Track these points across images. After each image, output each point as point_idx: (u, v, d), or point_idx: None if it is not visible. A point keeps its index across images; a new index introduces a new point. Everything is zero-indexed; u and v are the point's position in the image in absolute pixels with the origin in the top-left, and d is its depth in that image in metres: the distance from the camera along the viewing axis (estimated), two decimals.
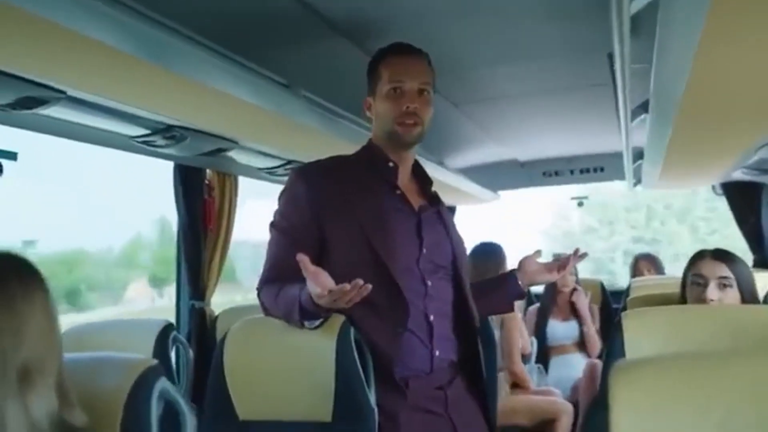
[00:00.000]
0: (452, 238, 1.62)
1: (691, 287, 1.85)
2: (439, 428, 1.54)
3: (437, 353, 1.54)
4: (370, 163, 1.61)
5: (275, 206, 1.61)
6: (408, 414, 1.50)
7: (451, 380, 1.58)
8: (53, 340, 0.95)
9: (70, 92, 1.62)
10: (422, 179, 1.69)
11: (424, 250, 1.56)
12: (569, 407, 3.12)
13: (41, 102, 1.61)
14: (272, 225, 1.58)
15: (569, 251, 1.76)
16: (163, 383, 1.01)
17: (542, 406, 3.08)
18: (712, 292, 1.79)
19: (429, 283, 1.55)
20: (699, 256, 1.88)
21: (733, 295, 1.80)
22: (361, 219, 1.51)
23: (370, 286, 1.28)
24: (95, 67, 1.50)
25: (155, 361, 1.03)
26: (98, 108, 1.80)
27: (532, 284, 1.77)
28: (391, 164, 1.60)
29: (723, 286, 1.80)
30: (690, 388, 0.75)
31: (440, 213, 1.65)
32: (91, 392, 1.01)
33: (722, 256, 1.85)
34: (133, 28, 1.42)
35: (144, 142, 2.12)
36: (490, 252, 3.22)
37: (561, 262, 1.71)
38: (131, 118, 1.94)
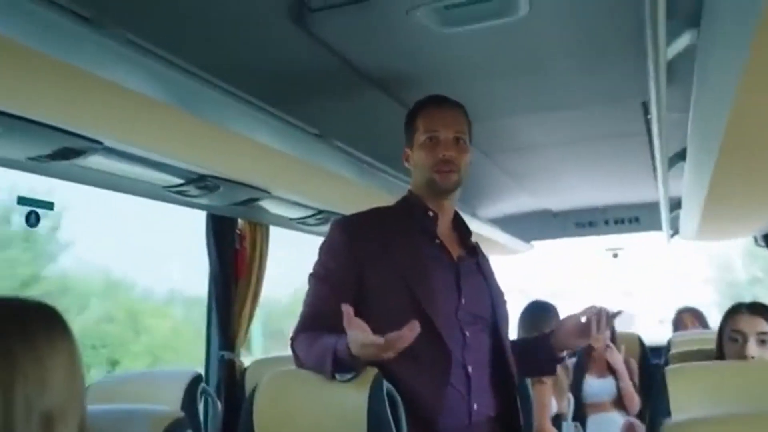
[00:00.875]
0: (491, 290, 1.61)
1: (729, 343, 1.81)
2: None
3: (475, 407, 1.50)
4: (409, 213, 1.62)
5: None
6: None
7: None
8: (77, 389, 0.94)
9: (107, 143, 1.65)
10: (462, 230, 1.68)
11: (463, 300, 1.54)
12: None
13: (78, 152, 1.65)
14: (311, 275, 1.58)
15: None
16: None
17: None
18: (752, 348, 1.74)
19: (467, 333, 1.53)
20: (735, 311, 1.84)
21: None
22: (401, 267, 1.51)
23: (418, 328, 1.26)
24: (131, 117, 1.53)
25: (181, 414, 1.01)
26: (133, 158, 1.83)
27: (565, 348, 1.68)
28: (430, 213, 1.61)
29: (762, 342, 1.75)
30: None
31: (479, 264, 1.64)
32: None
33: (760, 310, 1.80)
34: (168, 77, 1.44)
35: (177, 192, 2.14)
36: (539, 311, 3.17)
37: (596, 318, 1.61)
38: (165, 167, 1.97)
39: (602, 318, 1.57)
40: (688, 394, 1.37)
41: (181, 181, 2.09)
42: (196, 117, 1.55)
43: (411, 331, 1.26)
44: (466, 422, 1.49)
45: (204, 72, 1.60)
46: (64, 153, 1.61)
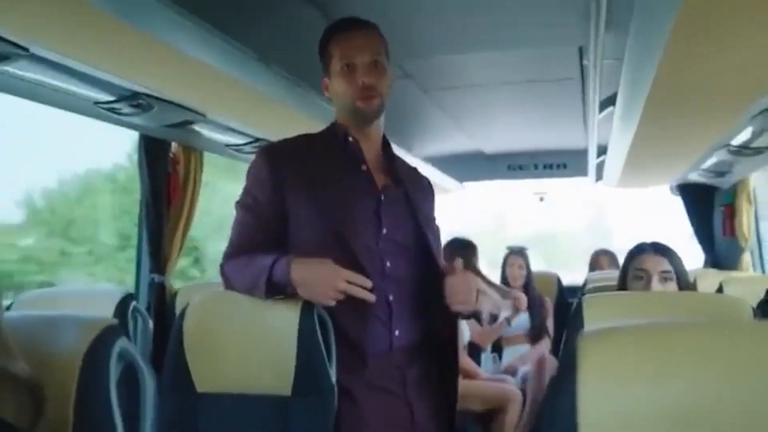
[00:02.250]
0: (418, 218, 1.60)
1: (633, 281, 1.89)
2: (396, 408, 1.54)
3: (396, 333, 1.54)
4: (333, 141, 1.60)
5: None
6: (366, 392, 1.50)
7: (411, 361, 1.57)
8: None
9: (34, 49, 1.57)
10: (390, 158, 1.66)
11: (384, 230, 1.55)
12: (518, 395, 3.18)
13: (1, 57, 1.56)
14: (238, 202, 1.57)
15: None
16: (123, 343, 0.99)
17: (493, 393, 3.14)
18: (656, 285, 1.83)
19: (388, 263, 1.54)
20: (640, 250, 1.91)
21: (672, 287, 1.85)
22: (322, 197, 1.51)
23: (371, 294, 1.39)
24: (62, 23, 1.45)
25: (115, 321, 1.01)
26: (62, 68, 1.74)
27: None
28: (350, 139, 1.58)
29: (665, 279, 1.84)
30: (658, 354, 0.78)
31: (407, 192, 1.62)
32: (47, 350, 0.98)
33: (663, 250, 1.89)
34: None
35: (109, 109, 2.07)
36: (459, 248, 3.25)
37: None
38: (97, 81, 1.89)
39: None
40: (601, 320, 1.46)
41: (114, 98, 2.01)
42: (133, 29, 1.48)
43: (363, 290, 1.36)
44: (388, 348, 1.52)
45: None
46: None
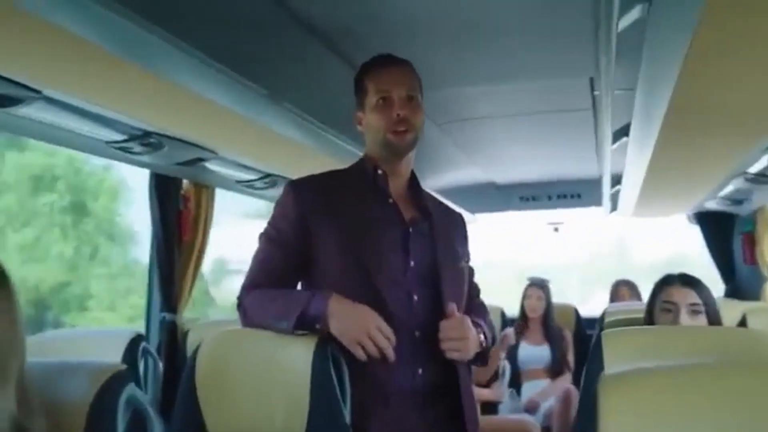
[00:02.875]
0: (438, 254, 1.56)
1: (661, 314, 1.83)
2: None
3: (420, 372, 1.50)
4: (362, 175, 1.60)
5: None
6: None
7: (434, 402, 1.52)
8: (15, 341, 0.90)
9: (46, 92, 1.58)
10: (417, 191, 1.65)
11: (412, 263, 1.53)
12: (537, 428, 3.10)
13: (15, 101, 1.57)
14: (262, 234, 1.57)
15: None
16: (131, 390, 0.97)
17: (512, 426, 3.05)
18: (684, 319, 1.78)
19: (416, 297, 1.51)
20: (667, 282, 1.86)
21: (702, 321, 1.79)
22: (348, 227, 1.50)
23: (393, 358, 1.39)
24: (74, 66, 1.46)
25: (123, 367, 0.99)
26: (74, 110, 1.76)
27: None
28: (380, 171, 1.58)
29: (693, 312, 1.79)
30: (681, 398, 0.75)
31: (432, 226, 1.60)
32: (56, 398, 0.96)
33: (691, 282, 1.83)
34: (115, 26, 1.38)
35: (120, 148, 2.08)
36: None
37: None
38: (108, 122, 1.90)
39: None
40: (621, 356, 1.42)
41: (125, 137, 2.02)
42: (143, 70, 1.49)
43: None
44: (410, 387, 1.48)
45: (154, 22, 1.54)
46: (0, 100, 1.53)
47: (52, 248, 4.37)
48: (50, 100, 1.63)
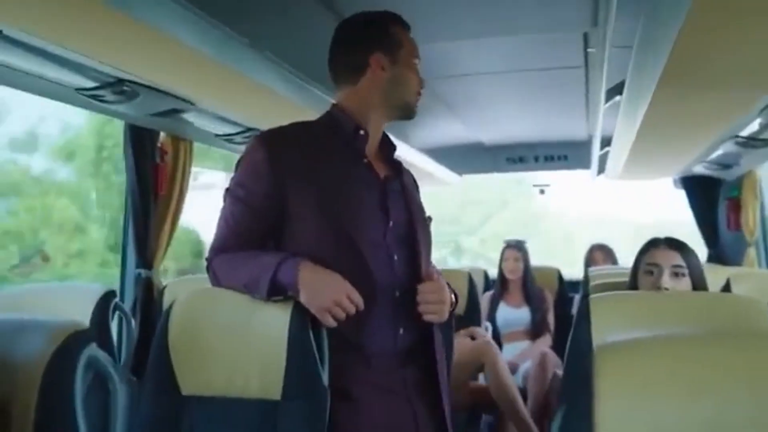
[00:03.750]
0: (412, 211, 1.55)
1: (644, 275, 1.85)
2: (400, 409, 1.48)
3: (401, 331, 1.48)
4: (335, 130, 1.53)
5: None
6: (369, 393, 1.43)
7: (411, 361, 1.51)
8: None
9: (6, 31, 1.48)
10: (388, 148, 1.62)
11: (391, 223, 1.49)
12: (493, 347, 3.08)
13: None
14: (228, 191, 1.49)
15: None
16: (92, 350, 0.90)
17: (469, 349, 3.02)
18: (667, 280, 1.78)
19: (396, 257, 1.48)
20: (653, 244, 1.87)
21: (685, 283, 1.80)
22: (325, 188, 1.44)
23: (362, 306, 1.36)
24: (38, 3, 1.36)
25: (84, 326, 0.93)
26: (39, 52, 1.65)
27: None
28: (362, 132, 1.52)
29: (676, 274, 1.80)
30: (681, 370, 0.70)
31: (403, 183, 1.58)
32: (11, 356, 0.90)
33: (676, 244, 1.85)
34: None
35: (92, 96, 1.97)
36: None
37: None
38: (78, 67, 1.79)
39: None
40: (609, 323, 1.40)
41: (96, 84, 1.91)
42: (118, 11, 1.39)
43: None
44: (392, 347, 1.47)
45: None
46: None
47: None
48: (10, 40, 1.52)
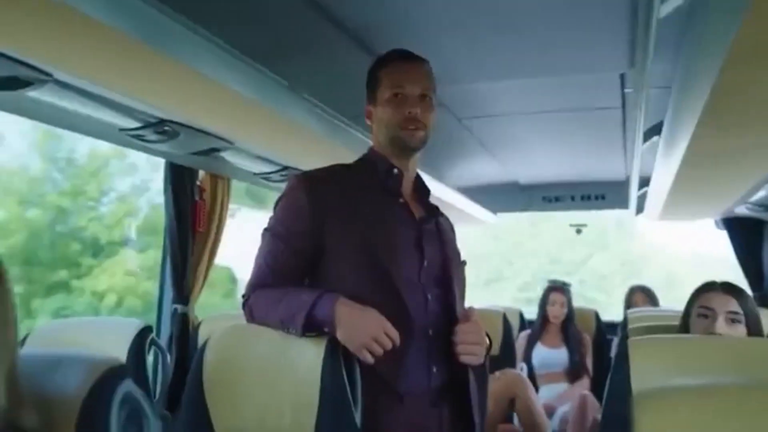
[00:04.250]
0: (447, 253, 1.56)
1: (697, 319, 1.77)
2: None
3: (434, 370, 1.48)
4: (371, 171, 1.56)
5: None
6: (401, 429, 1.43)
7: (444, 400, 1.51)
8: (7, 329, 0.85)
9: (57, 75, 1.54)
10: (422, 190, 1.64)
11: (425, 263, 1.51)
12: (524, 379, 3.03)
13: (25, 83, 1.53)
14: (267, 230, 1.52)
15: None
16: (127, 386, 0.91)
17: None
18: (721, 326, 1.70)
19: (429, 296, 1.49)
20: (708, 288, 1.80)
21: (741, 331, 1.72)
22: (364, 227, 1.46)
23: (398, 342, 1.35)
24: (87, 48, 1.41)
25: (120, 362, 0.93)
26: (87, 94, 1.71)
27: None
28: (395, 171, 1.55)
29: (732, 321, 1.72)
30: (723, 423, 0.67)
31: (438, 225, 1.60)
32: (49, 391, 0.91)
33: (732, 289, 1.76)
34: (132, 9, 1.33)
35: (135, 136, 2.03)
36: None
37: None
38: (122, 108, 1.85)
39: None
40: (649, 367, 1.35)
41: (139, 125, 1.97)
42: (160, 55, 1.43)
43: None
44: (426, 386, 1.47)
45: (173, 9, 1.49)
46: (9, 83, 1.49)
47: None
48: (61, 84, 1.59)
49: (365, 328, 1.34)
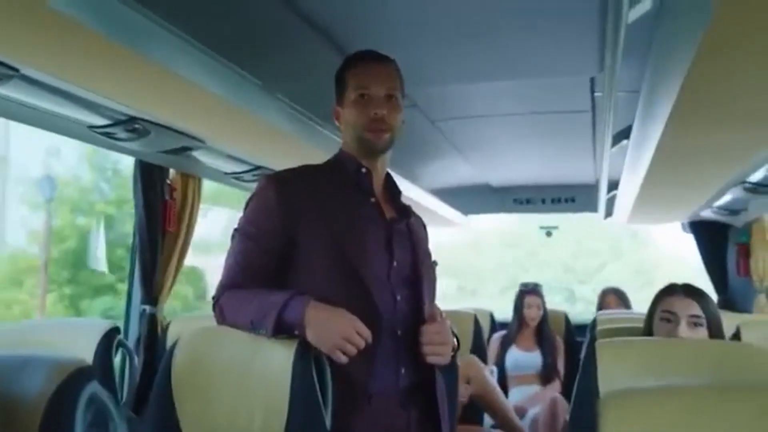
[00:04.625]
0: (417, 254, 1.57)
1: (660, 323, 1.78)
2: None
3: (402, 371, 1.48)
4: (342, 172, 1.56)
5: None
6: (368, 429, 1.42)
7: (413, 402, 1.51)
8: None
9: (24, 70, 1.51)
10: (393, 190, 1.64)
11: (395, 263, 1.51)
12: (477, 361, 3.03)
13: None
14: (237, 230, 1.52)
15: None
16: (93, 388, 0.90)
17: None
18: (684, 330, 1.72)
19: (398, 297, 1.49)
20: (669, 291, 1.81)
21: (702, 334, 1.74)
22: (333, 226, 1.46)
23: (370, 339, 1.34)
24: (56, 43, 1.38)
25: (86, 363, 0.92)
26: (55, 91, 1.68)
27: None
28: (363, 170, 1.55)
29: (694, 324, 1.73)
30: (688, 422, 0.68)
31: (409, 226, 1.60)
32: (13, 392, 0.89)
33: (694, 292, 1.78)
34: (103, 5, 1.31)
35: (104, 134, 2.00)
36: None
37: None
38: (92, 105, 1.83)
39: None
40: (616, 369, 1.37)
41: (109, 122, 1.94)
42: (131, 52, 1.41)
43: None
44: (395, 388, 1.47)
45: (145, 6, 1.47)
46: None
47: None
48: (28, 80, 1.56)
49: (336, 329, 1.34)
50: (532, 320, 3.86)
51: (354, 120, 1.52)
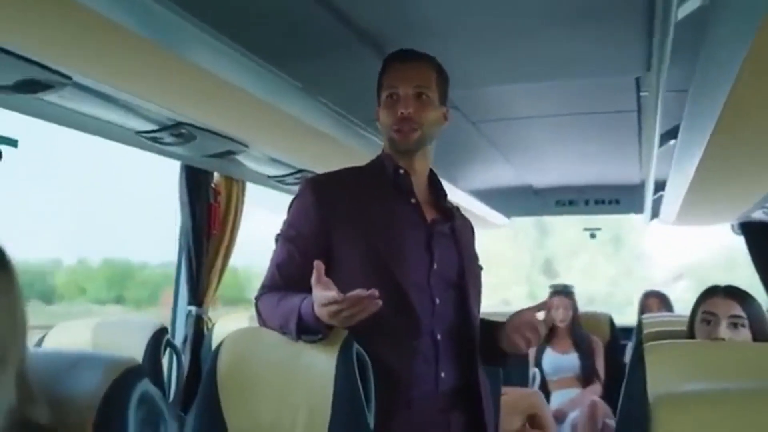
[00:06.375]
0: (463, 255, 1.55)
1: (701, 324, 1.77)
2: None
3: (443, 375, 1.47)
4: (382, 173, 1.56)
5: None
6: None
7: (454, 405, 1.50)
8: (15, 326, 0.86)
9: (77, 78, 1.55)
10: (438, 192, 1.63)
11: (435, 266, 1.50)
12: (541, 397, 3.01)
13: (45, 86, 1.54)
14: (279, 235, 1.53)
15: None
16: (144, 386, 0.92)
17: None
18: (724, 331, 1.70)
19: (438, 300, 1.48)
20: (710, 293, 1.80)
21: (744, 334, 1.72)
22: (371, 229, 1.46)
23: (380, 302, 1.22)
24: (106, 51, 1.43)
25: (138, 362, 0.94)
26: (105, 97, 1.73)
27: (510, 344, 1.49)
28: (401, 171, 1.54)
29: (735, 325, 1.71)
30: (746, 425, 0.66)
31: (454, 227, 1.58)
32: (66, 391, 0.92)
33: (735, 293, 1.76)
34: (150, 12, 1.34)
35: (151, 138, 2.05)
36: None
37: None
38: (139, 111, 1.88)
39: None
40: (664, 372, 1.34)
41: (156, 127, 1.99)
42: (176, 57, 1.45)
43: (371, 297, 1.20)
44: (434, 391, 1.46)
45: (189, 10, 1.50)
46: (29, 86, 1.50)
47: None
48: (80, 87, 1.61)
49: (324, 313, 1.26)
50: (561, 322, 3.80)
51: (384, 120, 1.53)
